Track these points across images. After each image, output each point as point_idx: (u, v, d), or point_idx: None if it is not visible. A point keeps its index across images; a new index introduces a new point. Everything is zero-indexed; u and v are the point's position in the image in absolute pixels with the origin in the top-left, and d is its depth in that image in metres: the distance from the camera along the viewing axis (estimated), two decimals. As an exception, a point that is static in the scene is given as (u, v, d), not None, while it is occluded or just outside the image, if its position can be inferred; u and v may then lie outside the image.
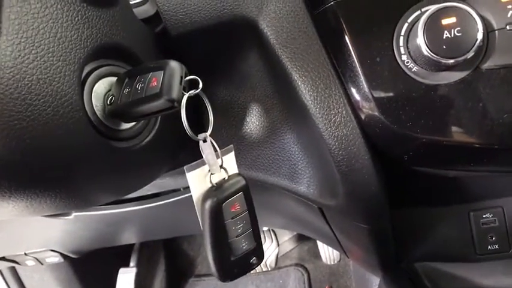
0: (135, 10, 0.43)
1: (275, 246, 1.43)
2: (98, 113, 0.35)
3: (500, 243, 0.58)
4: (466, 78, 0.35)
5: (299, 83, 0.40)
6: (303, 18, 0.41)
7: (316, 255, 1.42)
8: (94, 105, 0.35)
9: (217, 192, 0.37)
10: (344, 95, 0.39)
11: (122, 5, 0.38)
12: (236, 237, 0.39)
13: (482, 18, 0.34)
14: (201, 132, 0.38)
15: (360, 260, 0.81)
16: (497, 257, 0.58)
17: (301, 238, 1.49)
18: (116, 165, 0.37)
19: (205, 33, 0.44)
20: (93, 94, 0.35)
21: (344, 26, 0.38)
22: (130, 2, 0.43)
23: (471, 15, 0.33)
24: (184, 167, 0.37)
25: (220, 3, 0.41)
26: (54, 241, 0.93)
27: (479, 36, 0.33)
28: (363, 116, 0.39)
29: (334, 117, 0.40)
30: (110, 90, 0.36)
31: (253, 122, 0.50)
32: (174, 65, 0.34)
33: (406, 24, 0.36)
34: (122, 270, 1.33)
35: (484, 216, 0.59)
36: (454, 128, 0.36)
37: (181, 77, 0.34)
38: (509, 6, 0.34)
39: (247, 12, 0.41)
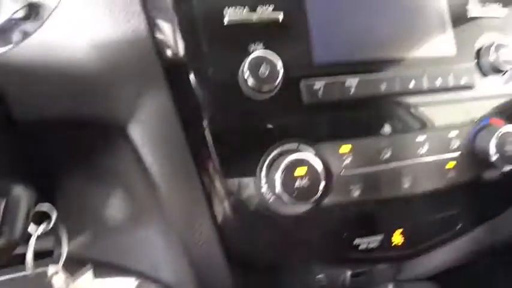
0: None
1: None
2: None
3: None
4: (309, 211, 0.42)
5: (165, 197, 0.41)
6: (176, 134, 0.41)
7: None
8: None
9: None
10: (209, 212, 0.42)
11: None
12: None
13: (325, 164, 0.41)
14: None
15: None
16: None
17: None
18: None
19: (65, 126, 0.41)
20: None
21: (214, 151, 0.40)
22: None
23: (317, 167, 0.39)
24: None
25: (87, 107, 0.39)
26: None
27: (323, 183, 0.39)
28: (223, 233, 0.43)
29: (197, 233, 0.42)
30: None
31: (115, 211, 0.49)
32: (20, 193, 0.29)
33: (267, 161, 0.41)
34: None
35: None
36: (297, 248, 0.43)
37: (29, 210, 0.30)
38: (344, 157, 0.42)
39: (117, 116, 0.40)
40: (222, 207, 0.42)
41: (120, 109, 0.40)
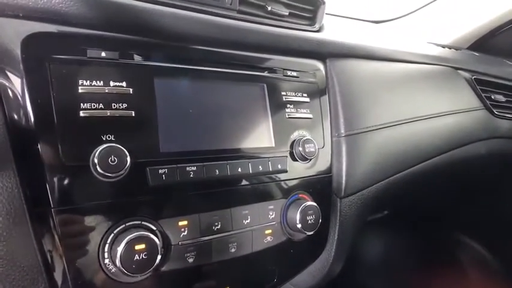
0: None
1: None
2: None
3: None
4: (149, 278, 0.49)
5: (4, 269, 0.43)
6: (20, 214, 0.43)
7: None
8: None
9: None
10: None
11: None
12: None
13: (164, 237, 0.49)
14: None
15: None
16: None
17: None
18: None
19: None
20: None
21: (59, 231, 0.44)
22: None
23: (156, 243, 0.46)
24: None
25: None
26: None
27: (159, 258, 0.46)
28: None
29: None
30: None
31: None
32: None
33: (112, 235, 0.46)
34: None
35: None
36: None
37: None
38: (183, 229, 0.51)
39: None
40: (63, 279, 0.45)
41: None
